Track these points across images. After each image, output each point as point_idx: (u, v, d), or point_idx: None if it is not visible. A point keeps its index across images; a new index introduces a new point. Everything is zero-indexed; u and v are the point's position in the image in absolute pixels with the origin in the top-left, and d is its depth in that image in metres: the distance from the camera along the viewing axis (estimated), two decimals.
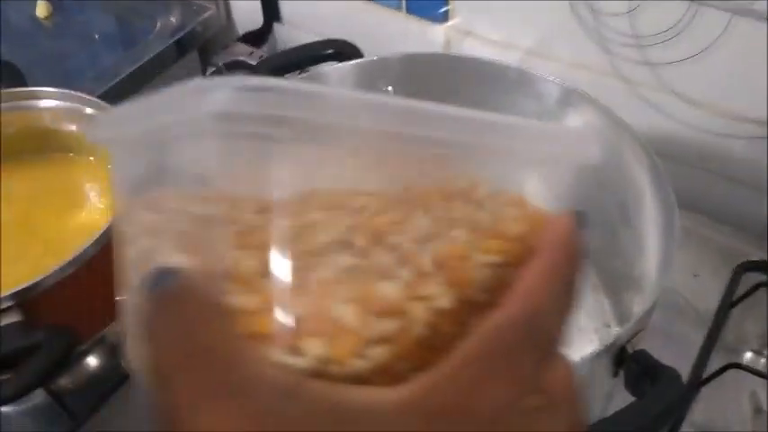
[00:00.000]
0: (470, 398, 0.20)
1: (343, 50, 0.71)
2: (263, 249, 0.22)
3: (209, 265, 0.23)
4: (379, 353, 0.21)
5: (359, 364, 0.21)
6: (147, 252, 0.25)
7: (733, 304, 0.66)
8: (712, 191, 0.75)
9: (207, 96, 0.21)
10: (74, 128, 0.69)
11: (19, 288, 0.54)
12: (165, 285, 0.21)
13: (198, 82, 0.22)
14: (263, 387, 0.19)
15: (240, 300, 0.21)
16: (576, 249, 0.24)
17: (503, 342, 0.21)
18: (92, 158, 0.70)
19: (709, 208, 0.74)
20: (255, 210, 0.24)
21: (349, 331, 0.21)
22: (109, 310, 0.60)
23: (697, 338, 0.65)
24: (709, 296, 0.68)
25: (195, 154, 0.23)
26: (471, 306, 0.23)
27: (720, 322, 0.66)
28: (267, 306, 0.21)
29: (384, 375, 0.21)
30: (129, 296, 0.27)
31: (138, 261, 0.26)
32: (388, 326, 0.21)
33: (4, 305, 0.54)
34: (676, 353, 0.59)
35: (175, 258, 0.23)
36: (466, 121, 0.25)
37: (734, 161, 0.73)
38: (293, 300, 0.21)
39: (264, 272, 0.22)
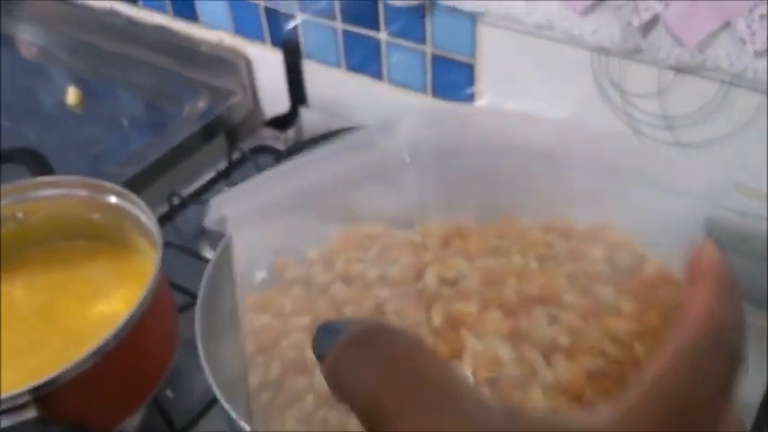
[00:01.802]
0: (682, 407, 0.22)
1: None
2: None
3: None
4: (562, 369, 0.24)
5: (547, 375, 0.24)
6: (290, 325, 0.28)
7: None
8: (752, 275, 0.72)
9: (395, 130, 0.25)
10: (98, 216, 0.68)
11: (37, 384, 0.52)
12: (345, 334, 0.22)
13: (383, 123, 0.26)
14: (491, 410, 0.20)
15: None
16: (730, 272, 0.26)
17: (696, 354, 0.23)
18: (116, 247, 0.70)
19: (750, 293, 0.72)
20: (440, 243, 0.26)
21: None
22: (127, 404, 0.59)
23: None
24: (751, 388, 0.65)
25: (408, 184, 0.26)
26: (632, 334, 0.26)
27: (765, 413, 0.63)
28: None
29: (573, 403, 0.24)
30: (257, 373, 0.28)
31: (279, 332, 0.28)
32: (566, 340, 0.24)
33: (21, 401, 0.53)
34: None
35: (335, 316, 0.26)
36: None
37: None
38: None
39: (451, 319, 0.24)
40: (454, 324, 0.24)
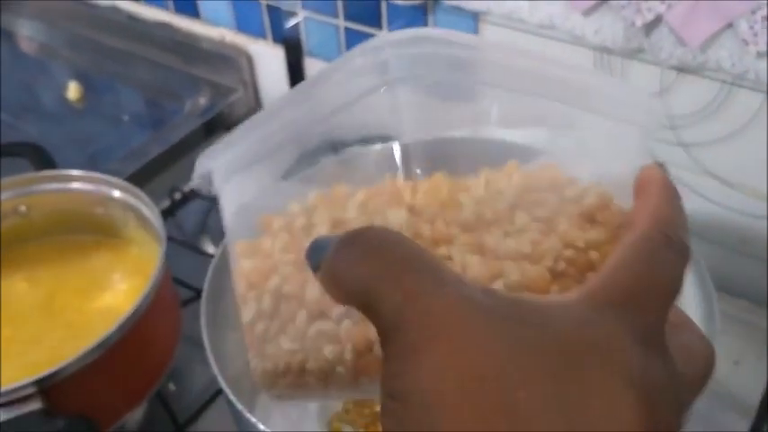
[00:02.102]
0: (636, 290, 0.23)
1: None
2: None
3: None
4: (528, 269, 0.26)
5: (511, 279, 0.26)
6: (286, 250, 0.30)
7: None
8: (753, 275, 0.73)
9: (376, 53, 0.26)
10: (101, 210, 0.68)
11: (41, 376, 0.53)
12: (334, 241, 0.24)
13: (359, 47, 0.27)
14: (469, 285, 0.23)
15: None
16: (674, 184, 0.28)
17: (648, 246, 0.25)
18: (118, 241, 0.70)
19: (751, 292, 0.72)
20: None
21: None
22: (130, 397, 0.60)
23: (740, 429, 0.62)
24: (752, 384, 0.65)
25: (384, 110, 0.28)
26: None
27: (764, 413, 0.64)
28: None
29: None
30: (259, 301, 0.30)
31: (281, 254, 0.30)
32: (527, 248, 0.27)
33: (26, 392, 0.53)
34: None
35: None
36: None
37: None
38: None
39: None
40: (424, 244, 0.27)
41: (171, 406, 0.66)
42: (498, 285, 0.26)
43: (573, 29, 0.70)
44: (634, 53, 0.69)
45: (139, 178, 0.87)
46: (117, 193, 0.67)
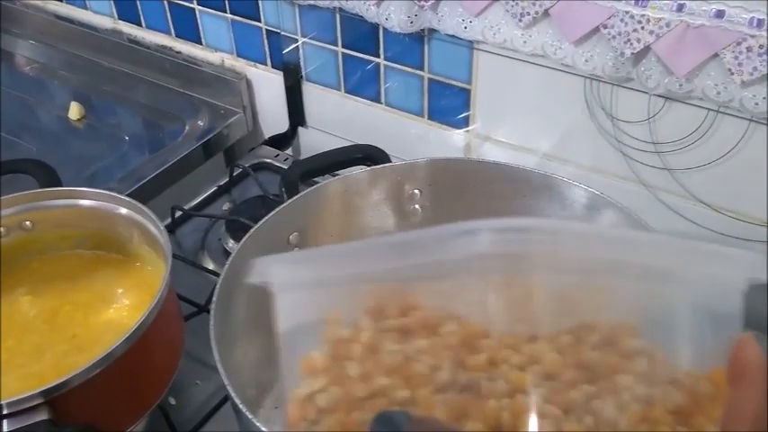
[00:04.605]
0: None
1: (372, 155, 0.73)
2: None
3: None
4: None
5: None
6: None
7: None
8: (751, 300, 0.74)
9: (473, 237, 0.26)
10: (107, 227, 0.70)
11: (48, 386, 0.53)
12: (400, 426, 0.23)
13: (459, 226, 0.27)
14: None
15: None
16: None
17: None
18: (121, 256, 0.71)
19: (749, 319, 0.74)
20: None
21: None
22: (134, 409, 0.61)
23: None
24: None
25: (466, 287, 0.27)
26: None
27: None
28: None
29: None
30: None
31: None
32: None
33: (33, 402, 0.54)
34: None
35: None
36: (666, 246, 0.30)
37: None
38: None
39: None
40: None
41: (171, 419, 0.67)
42: None
43: (564, 58, 0.73)
44: (623, 81, 0.72)
45: (139, 197, 0.87)
46: (123, 210, 0.68)
